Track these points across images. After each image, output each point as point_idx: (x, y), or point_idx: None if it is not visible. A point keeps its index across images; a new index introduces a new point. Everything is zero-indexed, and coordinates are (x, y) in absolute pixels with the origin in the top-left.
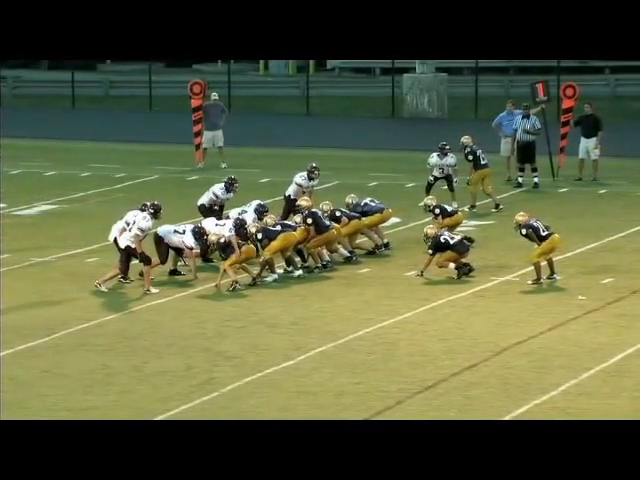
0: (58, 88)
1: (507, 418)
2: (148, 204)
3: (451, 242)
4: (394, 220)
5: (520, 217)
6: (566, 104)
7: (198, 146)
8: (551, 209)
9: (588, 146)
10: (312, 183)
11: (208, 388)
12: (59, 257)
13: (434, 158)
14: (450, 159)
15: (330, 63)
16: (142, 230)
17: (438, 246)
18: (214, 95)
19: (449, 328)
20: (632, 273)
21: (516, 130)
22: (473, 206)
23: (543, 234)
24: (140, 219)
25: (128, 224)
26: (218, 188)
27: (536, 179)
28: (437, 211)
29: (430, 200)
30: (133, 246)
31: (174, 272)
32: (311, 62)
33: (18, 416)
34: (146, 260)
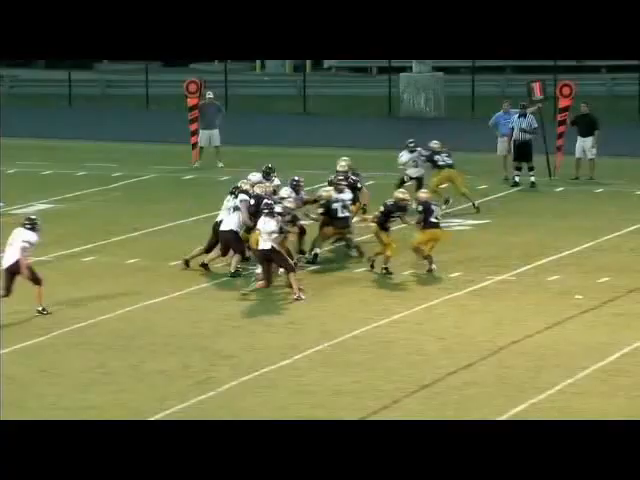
0: (55, 87)
1: (504, 417)
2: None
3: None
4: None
5: (422, 194)
6: (562, 103)
7: (194, 145)
8: (548, 208)
9: (585, 145)
10: (272, 184)
11: (205, 387)
12: (56, 256)
13: (404, 156)
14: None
15: (327, 62)
16: (30, 243)
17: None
18: (209, 94)
19: (446, 327)
20: (629, 272)
21: (513, 129)
22: (447, 200)
23: (432, 221)
24: (26, 234)
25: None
26: (284, 190)
27: (533, 178)
28: (420, 208)
29: (402, 194)
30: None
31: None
32: (308, 61)
33: (15, 416)
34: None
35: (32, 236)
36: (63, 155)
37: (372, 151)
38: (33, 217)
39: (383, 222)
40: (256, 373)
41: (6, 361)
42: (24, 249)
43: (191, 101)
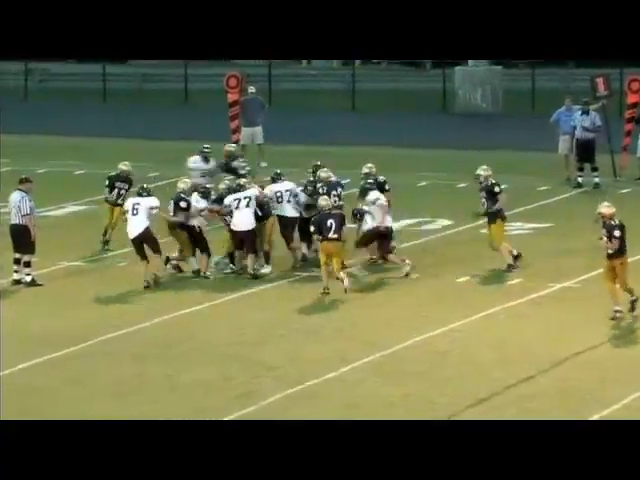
0: (88, 82)
1: None
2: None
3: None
4: (444, 222)
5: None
6: (631, 99)
7: (236, 143)
8: None
9: None
10: (209, 165)
11: (246, 401)
12: (89, 260)
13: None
14: None
15: None
16: (155, 207)
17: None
18: (251, 89)
19: (504, 337)
20: None
21: (575, 127)
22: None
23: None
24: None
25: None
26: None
27: (596, 179)
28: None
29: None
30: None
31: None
32: None
33: None
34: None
35: (154, 201)
36: (96, 154)
37: (425, 150)
38: (144, 185)
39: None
40: (301, 386)
41: (38, 371)
42: (150, 216)
43: (232, 96)
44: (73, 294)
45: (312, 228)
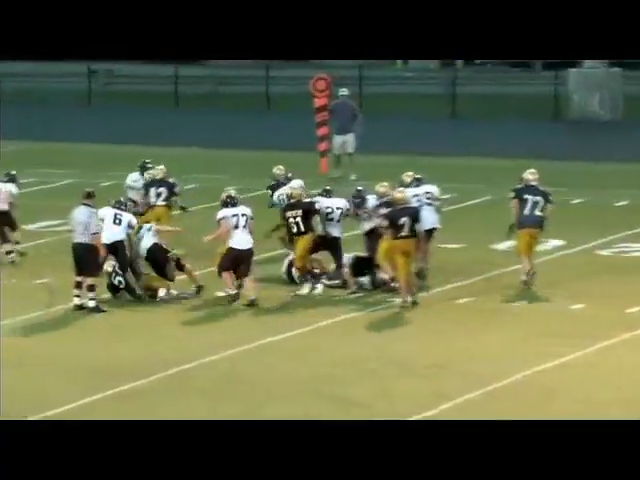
0: (158, 84)
1: None
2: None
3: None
4: (555, 243)
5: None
6: None
7: (323, 153)
8: None
9: None
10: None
11: None
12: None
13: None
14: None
15: None
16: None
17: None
18: (343, 91)
19: (624, 373)
20: None
21: None
22: None
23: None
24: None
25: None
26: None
27: None
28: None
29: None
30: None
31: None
32: None
33: None
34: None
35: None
36: (167, 164)
37: (535, 160)
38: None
39: None
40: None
41: (98, 407)
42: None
43: (319, 101)
44: (137, 322)
45: (384, 222)
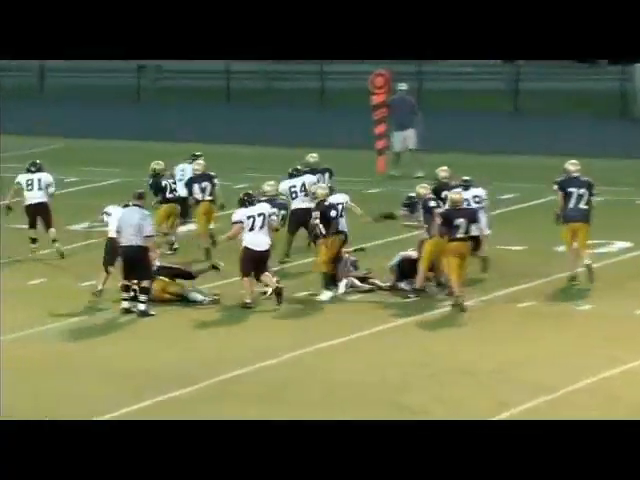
0: (209, 80)
1: None
2: None
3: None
4: (621, 245)
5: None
6: None
7: (380, 151)
8: None
9: None
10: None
11: None
12: (211, 287)
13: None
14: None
15: None
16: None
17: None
18: (402, 86)
19: None
20: None
21: None
22: None
23: None
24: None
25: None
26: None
27: None
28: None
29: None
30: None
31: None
32: None
33: None
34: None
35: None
36: (219, 163)
37: (602, 160)
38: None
39: None
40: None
41: (140, 415)
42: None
43: (377, 98)
44: (188, 326)
45: (438, 220)
